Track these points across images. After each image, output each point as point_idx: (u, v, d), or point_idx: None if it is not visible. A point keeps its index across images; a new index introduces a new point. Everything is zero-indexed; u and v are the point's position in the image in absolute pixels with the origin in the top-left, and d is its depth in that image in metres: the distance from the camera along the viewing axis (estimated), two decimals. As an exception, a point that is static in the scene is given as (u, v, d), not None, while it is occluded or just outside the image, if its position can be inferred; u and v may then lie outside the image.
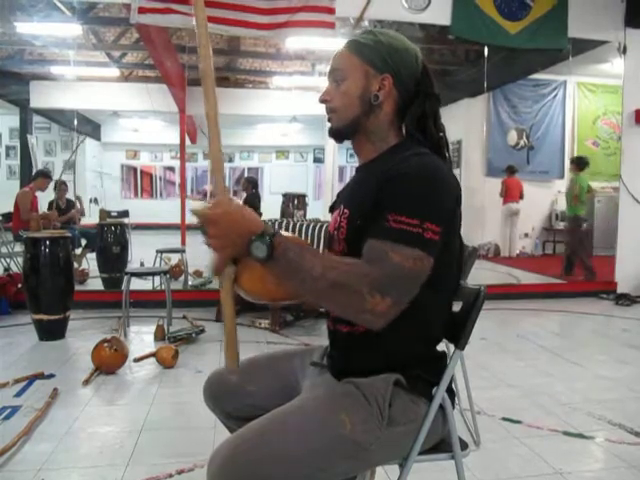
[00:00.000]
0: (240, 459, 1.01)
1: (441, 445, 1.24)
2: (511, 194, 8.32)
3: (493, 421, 2.53)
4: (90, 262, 6.25)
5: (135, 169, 14.43)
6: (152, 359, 3.35)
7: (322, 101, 1.25)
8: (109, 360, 3.13)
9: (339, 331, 1.22)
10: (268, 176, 14.48)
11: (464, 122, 8.82)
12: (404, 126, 1.23)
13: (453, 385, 1.24)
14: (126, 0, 4.66)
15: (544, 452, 2.21)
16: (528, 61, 7.03)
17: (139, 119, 12.16)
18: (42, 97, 8.98)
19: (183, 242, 6.67)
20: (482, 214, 8.50)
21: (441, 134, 1.22)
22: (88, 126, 11.57)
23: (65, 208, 6.59)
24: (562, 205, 7.85)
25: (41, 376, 3.02)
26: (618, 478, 2.03)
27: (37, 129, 10.41)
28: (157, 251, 5.82)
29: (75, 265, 4.98)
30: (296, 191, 7.64)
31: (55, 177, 6.52)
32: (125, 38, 8.14)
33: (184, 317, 4.44)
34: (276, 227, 4.35)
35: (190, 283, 5.74)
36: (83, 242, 6.40)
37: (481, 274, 6.47)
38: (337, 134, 1.26)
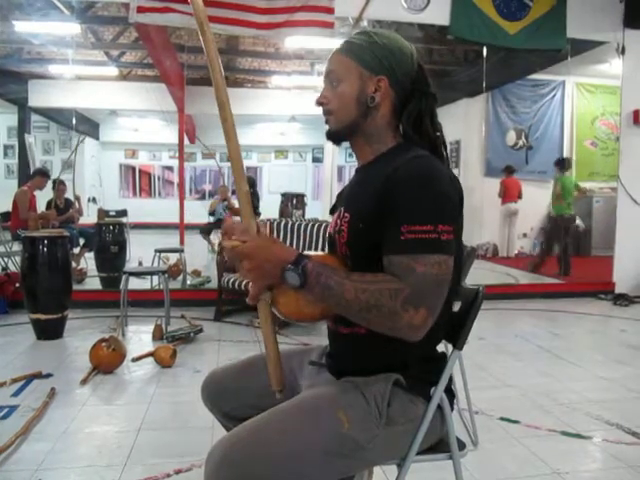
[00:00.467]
0: (236, 458, 1.01)
1: (439, 445, 1.24)
2: (510, 194, 8.33)
3: (491, 421, 2.53)
4: (88, 261, 6.25)
5: (134, 168, 14.41)
6: (150, 359, 3.34)
7: (319, 104, 1.24)
8: (107, 360, 3.13)
9: (339, 331, 1.22)
10: (267, 176, 14.48)
11: (463, 122, 8.82)
12: (401, 126, 1.23)
13: (452, 385, 1.24)
14: (125, -1, 4.66)
15: (542, 452, 2.21)
16: (527, 61, 7.03)
17: (138, 118, 12.15)
18: (40, 96, 8.97)
19: (181, 242, 6.66)
20: (480, 214, 8.51)
21: (438, 133, 1.22)
22: (87, 125, 11.55)
23: (64, 207, 6.58)
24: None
25: (39, 376, 3.02)
26: (616, 478, 2.04)
27: (35, 128, 10.39)
28: (155, 250, 5.81)
29: (73, 264, 4.98)
30: (295, 191, 7.66)
31: (54, 176, 6.51)
32: (124, 37, 8.12)
33: (182, 317, 4.43)
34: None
35: (188, 283, 5.73)
36: (81, 241, 6.39)
37: (479, 274, 6.47)
38: (334, 136, 1.26)
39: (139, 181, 14.49)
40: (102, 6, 6.85)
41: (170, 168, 14.25)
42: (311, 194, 12.89)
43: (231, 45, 8.39)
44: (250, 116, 11.06)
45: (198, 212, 9.22)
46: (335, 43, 1.30)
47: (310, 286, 1.03)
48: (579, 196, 6.89)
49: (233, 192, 11.59)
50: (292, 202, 7.25)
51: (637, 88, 5.72)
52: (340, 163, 12.45)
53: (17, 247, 5.44)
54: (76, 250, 6.25)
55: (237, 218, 1.19)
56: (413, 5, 5.07)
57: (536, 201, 9.04)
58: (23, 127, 9.39)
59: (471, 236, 7.49)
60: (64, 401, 2.70)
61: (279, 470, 1.02)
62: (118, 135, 13.05)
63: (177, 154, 10.02)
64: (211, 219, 8.60)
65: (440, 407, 1.17)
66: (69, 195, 6.61)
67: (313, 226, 4.54)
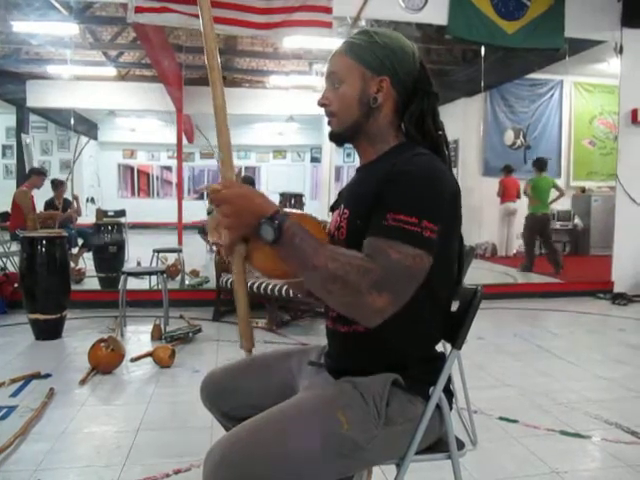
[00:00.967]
0: (235, 458, 1.01)
1: (438, 445, 1.23)
2: (508, 194, 8.33)
3: (490, 421, 2.53)
4: (87, 261, 6.25)
5: (132, 168, 14.42)
6: (149, 359, 3.34)
7: (321, 105, 1.24)
8: (106, 360, 3.12)
9: (338, 330, 1.22)
10: (265, 175, 14.50)
11: (461, 122, 8.83)
12: (403, 125, 1.23)
13: (450, 385, 1.24)
14: (123, -1, 4.66)
15: (541, 451, 2.21)
16: (525, 61, 7.05)
17: (136, 118, 12.15)
18: (39, 96, 8.96)
19: (180, 242, 6.67)
20: (479, 214, 8.51)
21: (440, 132, 1.21)
22: (85, 125, 11.56)
23: (62, 208, 6.57)
24: (559, 204, 7.88)
25: (37, 376, 3.01)
26: (615, 477, 2.04)
27: (34, 128, 10.40)
28: (154, 250, 5.81)
29: (72, 264, 4.98)
30: (293, 191, 7.65)
31: (52, 176, 6.50)
32: (122, 37, 8.12)
33: (181, 317, 4.43)
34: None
35: (187, 283, 5.74)
36: (80, 241, 6.39)
37: (478, 274, 6.49)
38: (337, 138, 1.26)
39: (137, 181, 14.49)
40: (100, 6, 6.85)
41: (168, 168, 14.26)
42: (309, 194, 12.90)
43: (229, 45, 8.39)
44: (248, 116, 11.07)
45: (196, 212, 9.22)
46: (333, 43, 1.30)
47: (282, 243, 1.01)
48: (557, 195, 6.91)
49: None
50: (290, 202, 7.24)
51: (635, 87, 5.73)
52: (338, 163, 12.47)
53: (15, 247, 5.44)
54: (74, 250, 6.25)
55: None
56: (411, 5, 5.07)
57: (535, 201, 9.05)
58: (21, 127, 9.39)
59: (470, 236, 7.48)
60: (63, 401, 2.70)
61: (278, 470, 1.02)
62: (116, 135, 13.05)
63: (175, 154, 10.03)
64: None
65: (439, 407, 1.17)
66: (67, 195, 6.61)
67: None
